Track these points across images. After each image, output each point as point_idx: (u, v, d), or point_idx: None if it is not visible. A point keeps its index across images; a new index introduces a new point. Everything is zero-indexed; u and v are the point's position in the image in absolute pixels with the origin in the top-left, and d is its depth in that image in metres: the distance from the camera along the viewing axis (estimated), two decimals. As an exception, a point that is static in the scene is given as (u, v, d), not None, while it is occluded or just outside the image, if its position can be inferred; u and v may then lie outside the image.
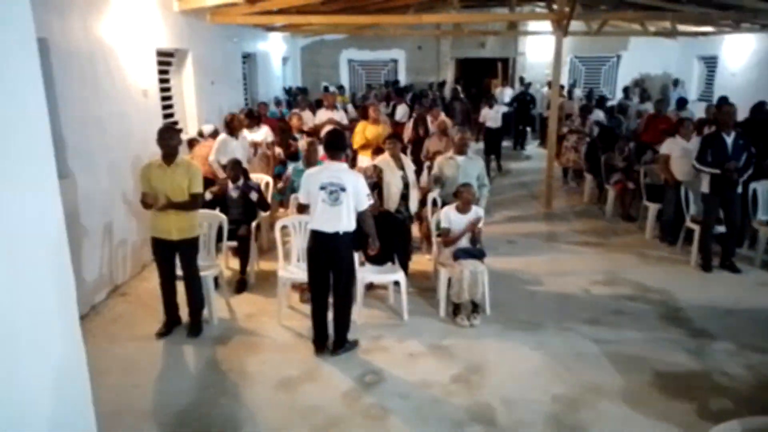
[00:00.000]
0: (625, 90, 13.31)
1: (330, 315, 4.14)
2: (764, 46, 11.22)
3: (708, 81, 13.75)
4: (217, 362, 4.08)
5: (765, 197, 6.02)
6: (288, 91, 13.19)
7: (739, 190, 5.69)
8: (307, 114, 8.85)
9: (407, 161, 5.37)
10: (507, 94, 13.77)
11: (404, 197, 5.20)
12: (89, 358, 2.38)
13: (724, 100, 9.60)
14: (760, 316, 4.75)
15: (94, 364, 2.49)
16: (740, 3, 7.97)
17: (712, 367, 3.98)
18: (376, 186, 5.19)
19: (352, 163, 7.04)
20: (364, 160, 6.79)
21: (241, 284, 5.24)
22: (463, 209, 4.80)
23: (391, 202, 5.24)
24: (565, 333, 4.48)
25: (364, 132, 6.94)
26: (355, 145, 7.13)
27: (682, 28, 11.33)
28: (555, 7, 7.56)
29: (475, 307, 4.67)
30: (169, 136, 4.13)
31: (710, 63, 13.63)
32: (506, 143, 13.22)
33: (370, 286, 5.01)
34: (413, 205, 5.22)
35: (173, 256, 4.30)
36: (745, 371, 3.92)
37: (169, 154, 4.12)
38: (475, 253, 4.75)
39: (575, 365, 3.99)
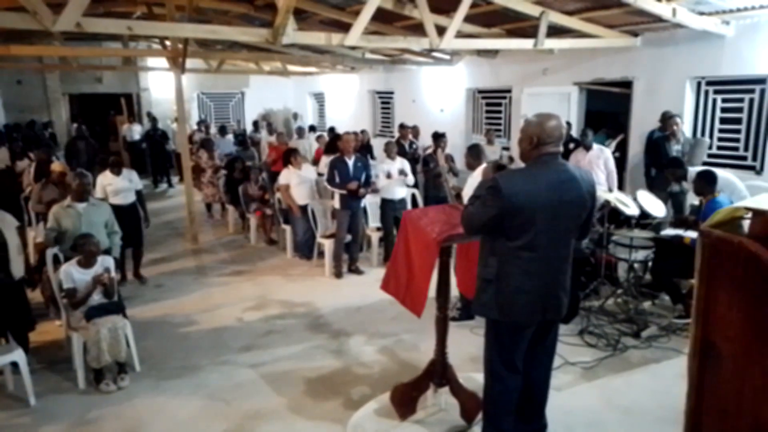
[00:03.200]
0: (255, 123, 14.27)
1: None
2: (356, 85, 13.66)
3: (321, 114, 15.94)
4: None
5: (373, 209, 7.30)
6: None
7: (362, 204, 6.73)
8: None
9: (6, 219, 4.38)
10: (136, 131, 13.06)
11: (3, 260, 4.25)
12: None
13: (332, 130, 11.29)
14: (380, 307, 5.66)
15: None
16: (332, 49, 9.49)
17: (351, 361, 4.54)
18: None
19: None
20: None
21: None
22: (86, 263, 4.28)
23: None
24: (222, 367, 4.46)
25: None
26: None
27: (292, 68, 12.80)
28: (169, 44, 7.52)
29: (122, 367, 4.22)
30: None
31: (320, 98, 15.84)
32: (146, 181, 12.57)
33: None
34: (17, 269, 4.28)
35: None
36: (375, 356, 4.61)
37: None
38: (112, 308, 4.29)
39: (234, 397, 4.00)
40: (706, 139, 6.89)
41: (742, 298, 1.68)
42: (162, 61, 11.49)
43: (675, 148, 6.50)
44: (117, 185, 6.22)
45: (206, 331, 5.16)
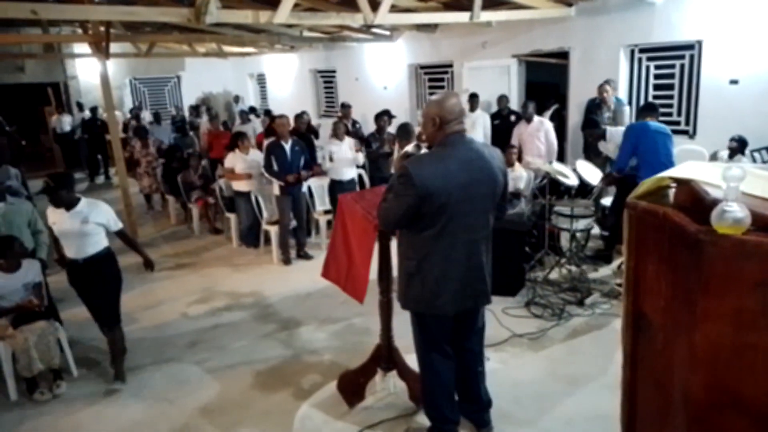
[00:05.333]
0: (195, 108, 13.68)
1: None
2: (297, 64, 13.31)
3: (263, 96, 15.49)
4: None
5: (318, 192, 7.16)
6: None
7: (303, 189, 6.57)
8: None
9: None
10: (66, 122, 12.33)
11: None
12: None
13: (267, 112, 10.97)
14: (330, 292, 5.53)
15: None
16: (268, 28, 9.15)
17: (301, 350, 4.46)
18: None
19: None
20: None
21: None
22: (9, 267, 4.01)
23: None
24: (165, 366, 4.30)
25: None
26: None
27: (228, 48, 12.32)
28: (90, 28, 7.05)
29: (57, 374, 4.01)
30: None
31: (261, 79, 15.37)
32: (81, 174, 11.99)
33: None
34: None
35: None
36: (325, 343, 4.55)
37: None
38: (41, 312, 4.04)
39: (179, 395, 3.87)
40: (625, 106, 7.02)
41: (669, 268, 1.69)
42: (87, 48, 10.87)
43: (606, 115, 6.68)
44: (64, 225, 3.77)
45: (149, 330, 4.97)
